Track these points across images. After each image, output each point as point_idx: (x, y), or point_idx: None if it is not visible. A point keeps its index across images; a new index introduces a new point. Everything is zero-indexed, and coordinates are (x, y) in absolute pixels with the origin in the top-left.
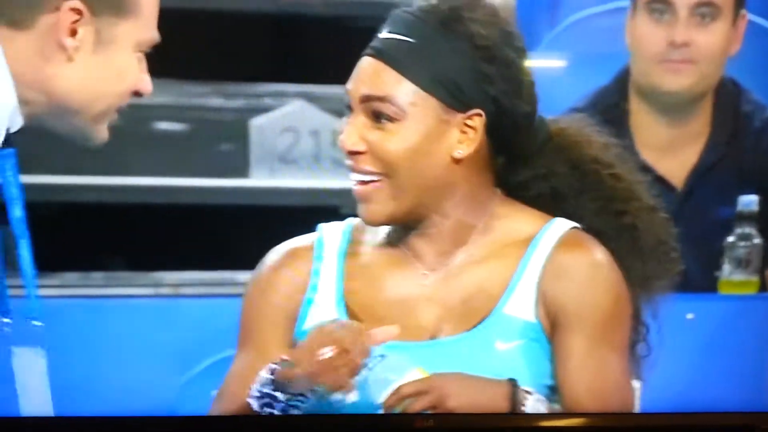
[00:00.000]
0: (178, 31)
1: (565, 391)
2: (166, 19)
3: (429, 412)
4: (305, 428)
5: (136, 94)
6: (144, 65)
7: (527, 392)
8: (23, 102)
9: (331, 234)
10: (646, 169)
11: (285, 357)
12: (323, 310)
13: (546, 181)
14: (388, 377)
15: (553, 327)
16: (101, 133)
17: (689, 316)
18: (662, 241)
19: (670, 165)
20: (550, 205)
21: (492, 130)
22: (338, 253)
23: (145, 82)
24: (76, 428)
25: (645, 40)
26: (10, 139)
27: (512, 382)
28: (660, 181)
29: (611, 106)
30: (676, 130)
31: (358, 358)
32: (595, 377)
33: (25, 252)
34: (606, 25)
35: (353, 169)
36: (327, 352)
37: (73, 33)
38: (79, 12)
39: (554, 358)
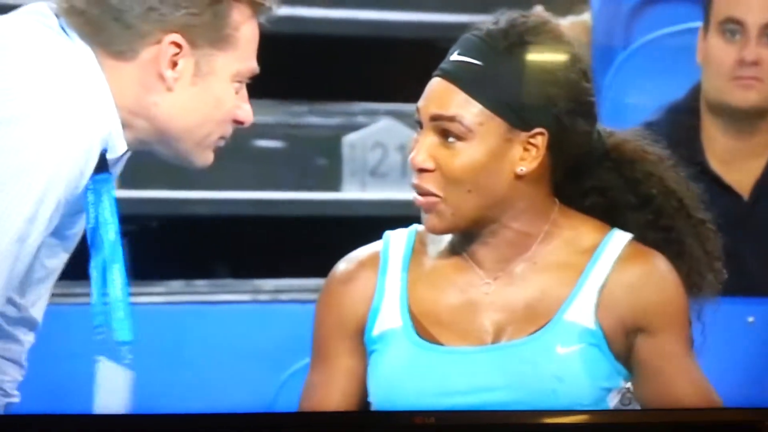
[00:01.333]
0: (279, 56)
1: (670, 392)
2: (269, 45)
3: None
4: (306, 425)
5: (237, 122)
6: (244, 95)
7: None
8: (127, 127)
9: (396, 241)
10: (714, 179)
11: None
12: (389, 317)
13: (601, 194)
14: None
15: (627, 335)
16: (205, 158)
17: (750, 319)
18: (708, 252)
19: (737, 175)
20: (604, 215)
21: (553, 147)
22: (402, 260)
23: (244, 110)
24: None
25: (717, 57)
26: (107, 163)
27: None
28: (728, 191)
29: (684, 119)
30: (743, 143)
31: None
32: (696, 375)
33: (116, 277)
34: (678, 45)
35: (417, 188)
36: None
37: (174, 65)
38: (179, 45)
39: (644, 364)
